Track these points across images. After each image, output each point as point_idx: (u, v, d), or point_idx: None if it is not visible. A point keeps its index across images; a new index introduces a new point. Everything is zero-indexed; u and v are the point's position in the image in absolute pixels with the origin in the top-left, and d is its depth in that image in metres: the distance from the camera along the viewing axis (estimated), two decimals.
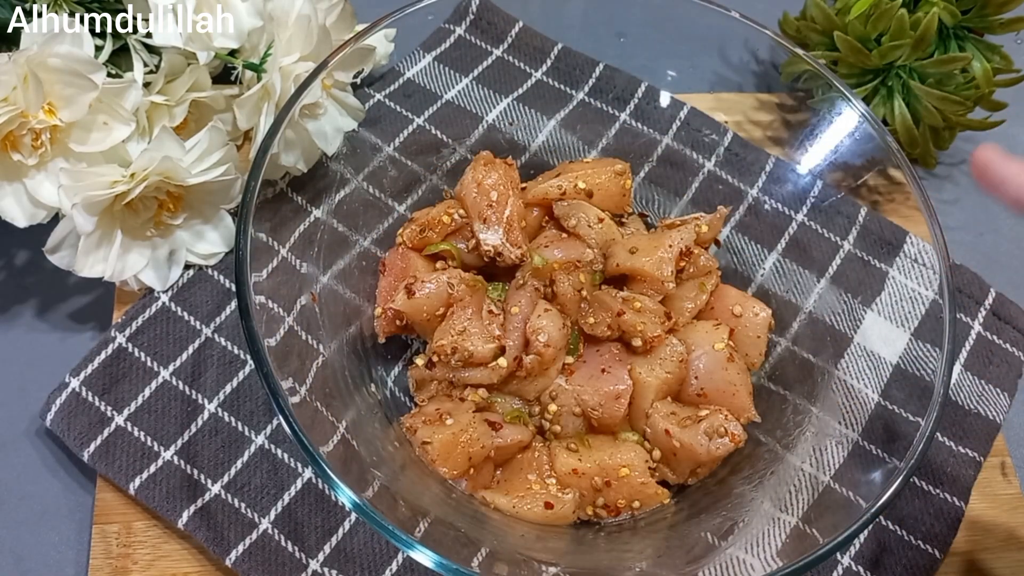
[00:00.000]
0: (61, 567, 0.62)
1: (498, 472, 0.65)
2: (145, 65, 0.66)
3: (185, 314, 0.69)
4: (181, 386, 0.66)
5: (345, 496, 0.49)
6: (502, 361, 0.63)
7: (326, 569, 0.61)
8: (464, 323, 0.64)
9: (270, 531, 0.61)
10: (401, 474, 0.60)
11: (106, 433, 0.64)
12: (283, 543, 0.61)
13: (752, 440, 0.66)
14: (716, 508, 0.62)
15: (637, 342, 0.65)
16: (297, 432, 0.50)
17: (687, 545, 0.59)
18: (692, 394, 0.66)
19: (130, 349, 0.67)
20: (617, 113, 0.80)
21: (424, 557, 0.48)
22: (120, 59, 0.67)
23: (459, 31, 0.83)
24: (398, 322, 0.67)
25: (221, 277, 0.71)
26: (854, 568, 0.64)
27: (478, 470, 0.63)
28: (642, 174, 0.78)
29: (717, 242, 0.74)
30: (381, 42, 0.77)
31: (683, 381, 0.66)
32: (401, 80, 0.79)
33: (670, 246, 0.68)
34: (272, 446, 0.65)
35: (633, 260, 0.68)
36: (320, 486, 0.63)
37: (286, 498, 0.63)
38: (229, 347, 0.68)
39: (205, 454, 0.64)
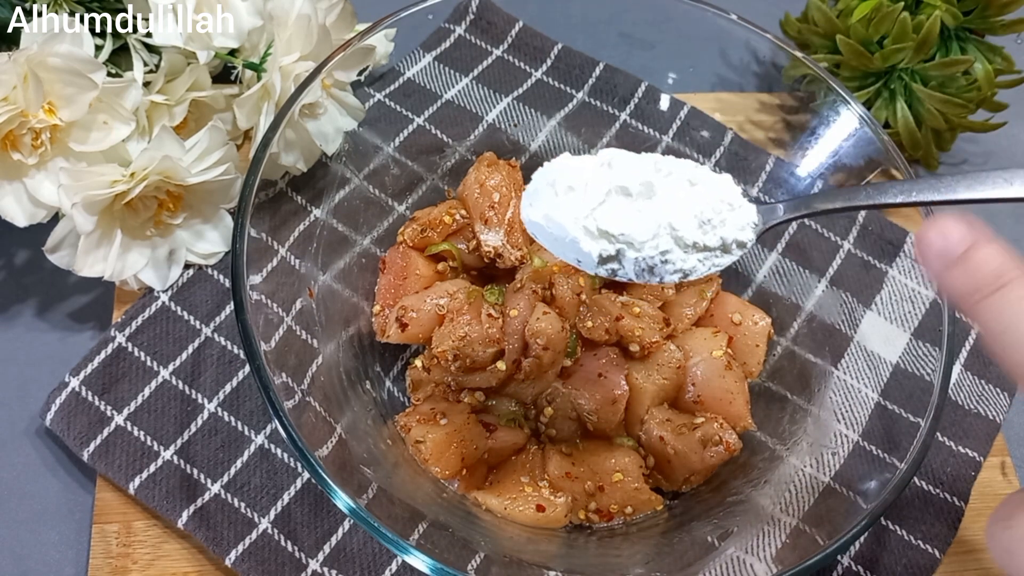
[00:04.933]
0: (61, 567, 0.62)
1: (491, 473, 0.65)
2: (145, 65, 0.66)
3: (185, 314, 0.69)
4: (181, 386, 0.66)
5: (341, 501, 0.49)
6: (501, 364, 0.63)
7: (325, 569, 0.61)
8: (464, 328, 0.63)
9: (269, 531, 0.61)
10: (393, 473, 0.60)
11: (106, 433, 0.64)
12: (282, 543, 0.61)
13: (752, 441, 0.66)
14: (709, 516, 0.62)
15: (634, 347, 0.64)
16: (292, 435, 0.50)
17: (678, 552, 0.59)
18: (689, 401, 0.66)
19: (130, 349, 0.67)
20: (617, 113, 0.80)
21: (419, 562, 0.48)
22: (120, 58, 0.67)
23: (459, 31, 0.83)
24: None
25: (221, 277, 0.71)
26: (854, 568, 0.64)
27: (471, 471, 0.63)
28: None
29: None
30: (381, 42, 0.77)
31: (680, 388, 0.66)
32: (401, 80, 0.79)
33: None
34: (272, 446, 0.65)
35: None
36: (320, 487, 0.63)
37: (285, 498, 0.63)
38: (229, 347, 0.68)
39: (204, 454, 0.64)
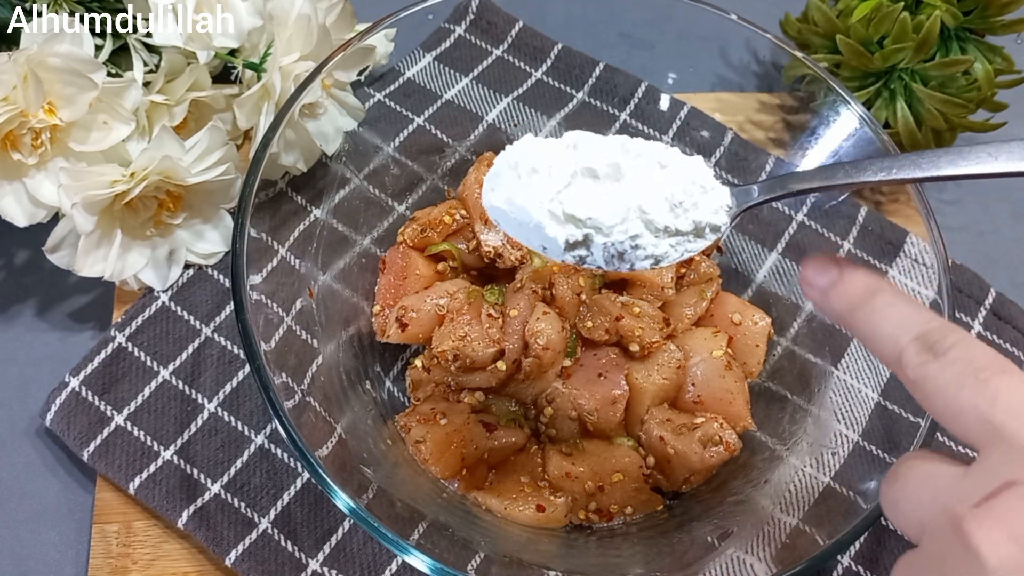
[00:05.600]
0: (61, 567, 0.62)
1: (491, 473, 0.65)
2: (145, 65, 0.66)
3: (185, 314, 0.69)
4: (181, 386, 0.66)
5: (341, 501, 0.49)
6: (501, 364, 0.63)
7: (326, 569, 0.61)
8: (464, 328, 0.63)
9: (269, 531, 0.61)
10: (393, 473, 0.60)
11: (106, 433, 0.64)
12: (283, 543, 0.61)
13: (752, 441, 0.66)
14: (709, 515, 0.62)
15: (635, 347, 0.64)
16: (292, 435, 0.50)
17: (678, 552, 0.59)
18: (689, 401, 0.65)
19: (130, 349, 0.67)
20: (617, 113, 0.80)
21: (419, 562, 0.48)
22: (120, 58, 0.67)
23: (459, 31, 0.83)
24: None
25: (221, 277, 0.71)
26: (854, 568, 0.64)
27: (471, 471, 0.63)
28: None
29: (720, 249, 0.74)
30: (381, 42, 0.77)
31: (680, 387, 0.66)
32: (401, 80, 0.79)
33: None
34: (271, 446, 0.65)
35: None
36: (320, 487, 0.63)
37: (285, 498, 0.63)
38: (229, 347, 0.68)
39: (204, 454, 0.64)
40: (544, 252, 0.49)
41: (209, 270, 0.71)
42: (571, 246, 0.49)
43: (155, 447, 0.64)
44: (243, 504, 0.62)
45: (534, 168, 0.49)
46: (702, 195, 0.49)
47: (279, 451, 0.64)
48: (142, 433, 0.64)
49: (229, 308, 0.69)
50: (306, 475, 0.63)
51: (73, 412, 0.64)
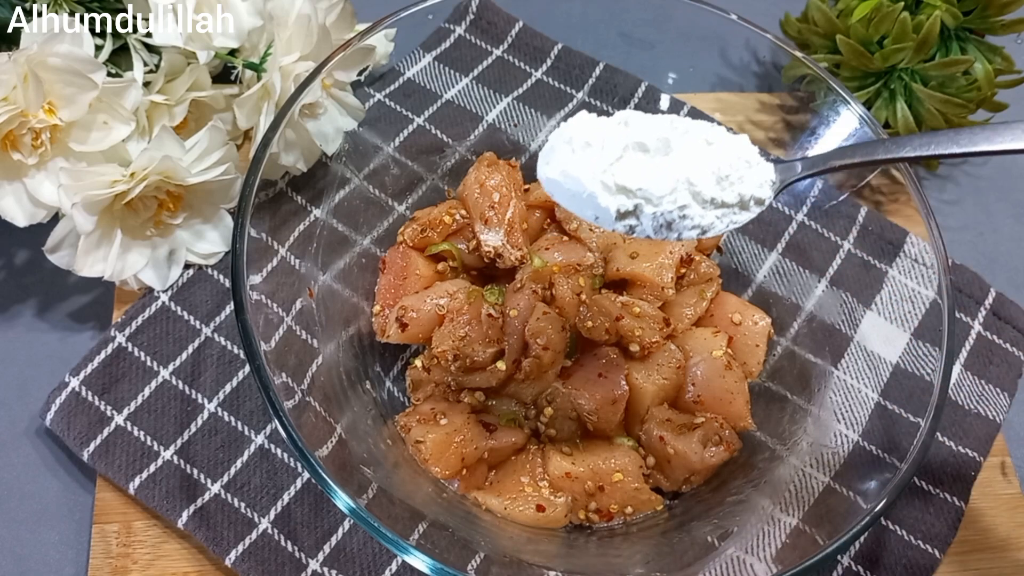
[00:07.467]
0: (61, 567, 0.62)
1: (491, 473, 0.65)
2: (145, 65, 0.66)
3: (185, 314, 0.69)
4: (180, 386, 0.66)
5: (341, 501, 0.49)
6: (501, 364, 0.63)
7: (325, 569, 0.61)
8: (464, 328, 0.64)
9: (269, 531, 0.61)
10: (393, 473, 0.60)
11: (106, 433, 0.64)
12: (282, 543, 0.61)
13: (752, 441, 0.66)
14: (709, 515, 0.62)
15: (634, 347, 0.64)
16: (292, 435, 0.50)
17: (678, 552, 0.59)
18: (689, 401, 0.66)
19: (130, 349, 0.67)
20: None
21: (419, 562, 0.48)
22: (120, 58, 0.67)
23: (459, 31, 0.83)
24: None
25: (221, 277, 0.71)
26: (854, 568, 0.64)
27: (471, 471, 0.63)
28: None
29: (719, 249, 0.74)
30: (381, 42, 0.77)
31: (680, 388, 0.66)
32: (401, 80, 0.79)
33: (671, 252, 0.68)
34: (271, 446, 0.65)
35: (633, 265, 0.68)
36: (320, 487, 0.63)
37: (285, 498, 0.63)
38: (229, 347, 0.68)
39: (204, 454, 0.64)
40: (596, 222, 0.51)
41: (209, 270, 0.71)
42: (622, 215, 0.50)
43: (155, 447, 0.64)
44: (243, 504, 0.62)
45: (587, 142, 0.51)
46: (748, 170, 0.51)
47: (279, 451, 0.64)
48: (142, 433, 0.64)
49: (229, 308, 0.69)
50: (306, 475, 0.63)
51: (73, 412, 0.64)
